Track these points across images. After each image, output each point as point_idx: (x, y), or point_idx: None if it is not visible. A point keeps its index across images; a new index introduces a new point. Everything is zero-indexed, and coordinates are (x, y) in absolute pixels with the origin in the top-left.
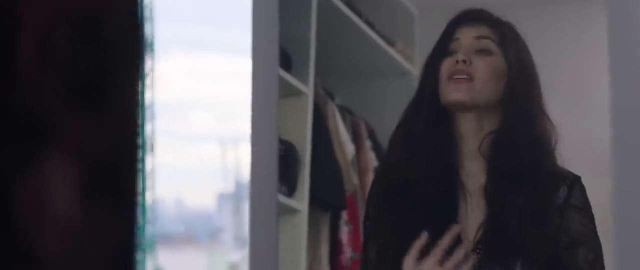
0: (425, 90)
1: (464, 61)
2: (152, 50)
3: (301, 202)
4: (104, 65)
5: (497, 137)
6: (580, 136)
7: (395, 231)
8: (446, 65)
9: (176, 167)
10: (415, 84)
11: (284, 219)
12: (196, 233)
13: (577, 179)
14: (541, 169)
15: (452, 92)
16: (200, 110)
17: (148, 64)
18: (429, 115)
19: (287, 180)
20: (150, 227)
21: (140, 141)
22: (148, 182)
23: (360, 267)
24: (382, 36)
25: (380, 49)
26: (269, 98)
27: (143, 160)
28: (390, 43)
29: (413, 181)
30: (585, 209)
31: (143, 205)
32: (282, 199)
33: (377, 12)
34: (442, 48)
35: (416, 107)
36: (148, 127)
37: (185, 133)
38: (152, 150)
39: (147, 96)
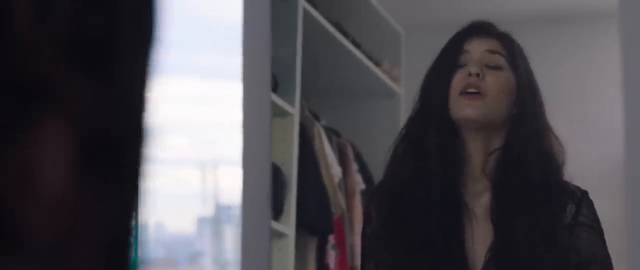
0: (432, 103)
1: (477, 75)
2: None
3: (288, 225)
4: (111, 30)
5: (504, 156)
6: (587, 154)
7: (397, 251)
8: (458, 79)
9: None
10: (402, 104)
11: (271, 244)
12: (176, 257)
13: (584, 194)
14: (549, 188)
15: (466, 109)
16: (176, 134)
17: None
18: (439, 132)
19: (273, 203)
20: (134, 252)
21: (146, 117)
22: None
23: None
24: (369, 56)
25: (367, 70)
26: (261, 121)
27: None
28: (377, 63)
29: (419, 201)
30: (593, 225)
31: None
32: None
33: (363, 32)
34: (451, 60)
35: (424, 121)
36: None
37: (162, 157)
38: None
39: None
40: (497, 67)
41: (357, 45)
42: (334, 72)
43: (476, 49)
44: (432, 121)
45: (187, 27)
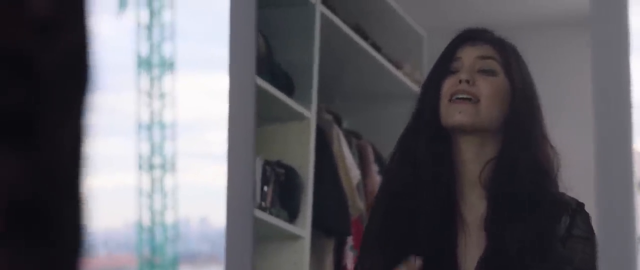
0: (424, 110)
1: (467, 81)
2: (172, 70)
3: (303, 228)
4: (34, 101)
5: (498, 164)
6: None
7: (388, 261)
8: (448, 85)
9: (200, 186)
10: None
11: (285, 245)
12: (221, 252)
13: (580, 206)
14: (543, 198)
15: (455, 114)
16: (216, 129)
17: (155, 85)
18: (429, 139)
19: (288, 205)
20: (172, 246)
21: (74, 186)
22: (169, 202)
23: None
24: (389, 59)
25: (388, 72)
26: (245, 116)
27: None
28: (398, 66)
29: (411, 210)
30: (588, 238)
31: (164, 225)
32: (283, 224)
33: (385, 35)
34: (443, 67)
35: (414, 130)
36: (169, 147)
37: (204, 152)
38: (173, 169)
39: (168, 116)
40: (490, 72)
41: (377, 48)
42: (356, 75)
43: (468, 55)
44: (424, 129)
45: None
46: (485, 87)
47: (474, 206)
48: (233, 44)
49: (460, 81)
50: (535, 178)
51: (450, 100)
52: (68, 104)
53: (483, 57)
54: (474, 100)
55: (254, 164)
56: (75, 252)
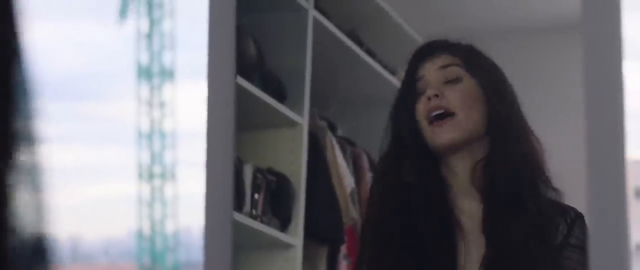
0: (403, 137)
1: (436, 95)
2: (172, 78)
3: (295, 236)
4: None
5: (488, 163)
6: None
7: None
8: (421, 108)
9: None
10: None
11: (277, 254)
12: None
13: (579, 216)
14: (536, 190)
15: (440, 135)
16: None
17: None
18: (415, 164)
19: (280, 213)
20: (172, 255)
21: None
22: (169, 211)
23: None
24: (384, 65)
25: (382, 78)
26: (225, 125)
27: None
28: (393, 72)
29: (407, 229)
30: (584, 247)
31: (164, 234)
32: (275, 233)
33: (380, 41)
34: (409, 90)
35: (397, 156)
36: (169, 156)
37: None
38: (173, 178)
39: (168, 125)
40: (456, 80)
41: (372, 54)
42: (351, 81)
43: (429, 70)
44: (407, 155)
45: None
46: (454, 98)
47: (471, 212)
48: (212, 48)
49: (429, 98)
50: (522, 173)
51: (430, 123)
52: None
53: (443, 67)
54: (449, 113)
55: (232, 169)
56: None
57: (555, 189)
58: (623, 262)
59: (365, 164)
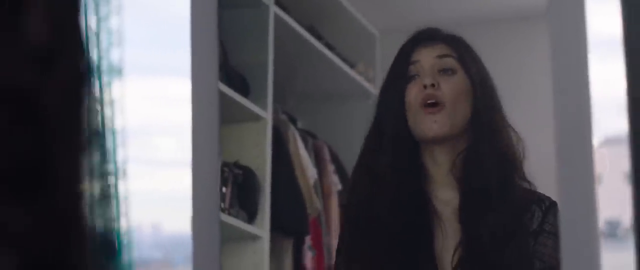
0: (388, 120)
1: (433, 85)
2: (120, 76)
3: (262, 228)
4: (41, 147)
5: (466, 156)
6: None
7: (370, 266)
8: (413, 92)
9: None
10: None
11: (245, 246)
12: (174, 258)
13: (553, 204)
14: (511, 184)
15: (432, 125)
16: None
17: (114, 92)
18: (396, 149)
19: (247, 206)
20: (127, 253)
21: (88, 231)
22: (122, 209)
23: None
24: (343, 58)
25: (341, 72)
26: (210, 122)
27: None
28: (351, 65)
29: (385, 217)
30: (557, 234)
31: (118, 232)
32: (243, 225)
33: (338, 35)
34: (401, 72)
35: (379, 140)
36: (120, 154)
37: (153, 158)
38: (124, 176)
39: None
40: (450, 71)
41: (331, 48)
42: (310, 75)
43: (426, 57)
44: (390, 137)
45: (168, 28)
46: (448, 90)
47: (449, 201)
48: (195, 49)
49: (425, 86)
50: (498, 167)
51: (421, 108)
52: (72, 145)
53: (441, 56)
54: (440, 104)
55: (219, 168)
56: None
57: (529, 182)
58: (592, 247)
59: (327, 156)
